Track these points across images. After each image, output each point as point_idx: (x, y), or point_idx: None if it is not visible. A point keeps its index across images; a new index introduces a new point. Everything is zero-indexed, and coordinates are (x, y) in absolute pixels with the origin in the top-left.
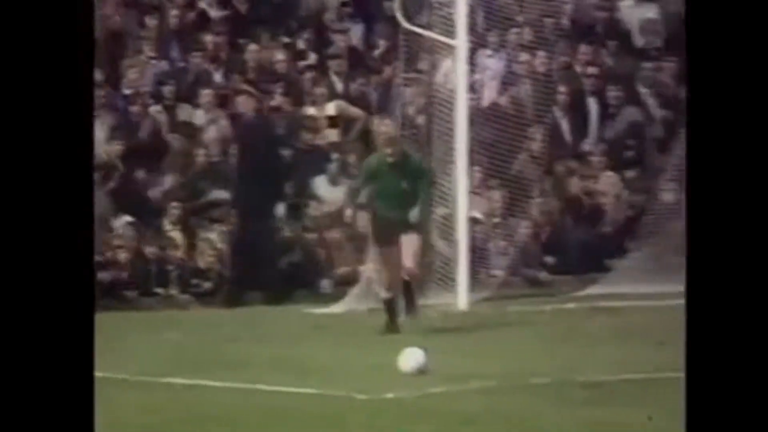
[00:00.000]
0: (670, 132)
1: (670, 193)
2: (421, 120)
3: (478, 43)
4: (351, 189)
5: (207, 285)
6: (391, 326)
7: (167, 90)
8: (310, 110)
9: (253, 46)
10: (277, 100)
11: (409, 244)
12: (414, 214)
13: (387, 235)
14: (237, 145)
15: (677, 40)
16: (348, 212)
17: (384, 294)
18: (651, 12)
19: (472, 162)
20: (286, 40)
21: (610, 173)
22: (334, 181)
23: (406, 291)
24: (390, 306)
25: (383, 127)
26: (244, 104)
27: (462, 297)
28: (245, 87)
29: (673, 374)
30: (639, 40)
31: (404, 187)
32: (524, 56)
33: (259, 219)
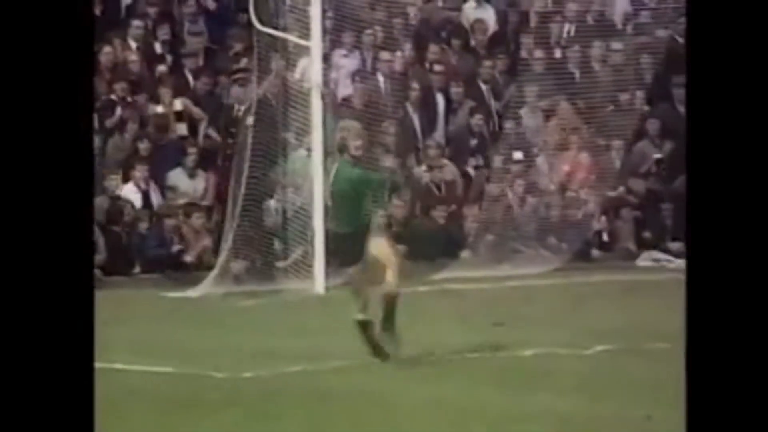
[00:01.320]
0: (502, 124)
1: (516, 183)
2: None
3: (332, 43)
4: None
5: None
6: (376, 350)
7: None
8: (158, 108)
9: (107, 48)
10: (130, 97)
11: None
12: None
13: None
14: None
15: (501, 37)
16: None
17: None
18: (484, 13)
19: (327, 155)
20: (133, 44)
21: (448, 163)
22: (191, 174)
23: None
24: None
25: (352, 128)
26: None
27: (319, 281)
28: None
29: (519, 353)
30: (472, 40)
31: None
32: (383, 55)
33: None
